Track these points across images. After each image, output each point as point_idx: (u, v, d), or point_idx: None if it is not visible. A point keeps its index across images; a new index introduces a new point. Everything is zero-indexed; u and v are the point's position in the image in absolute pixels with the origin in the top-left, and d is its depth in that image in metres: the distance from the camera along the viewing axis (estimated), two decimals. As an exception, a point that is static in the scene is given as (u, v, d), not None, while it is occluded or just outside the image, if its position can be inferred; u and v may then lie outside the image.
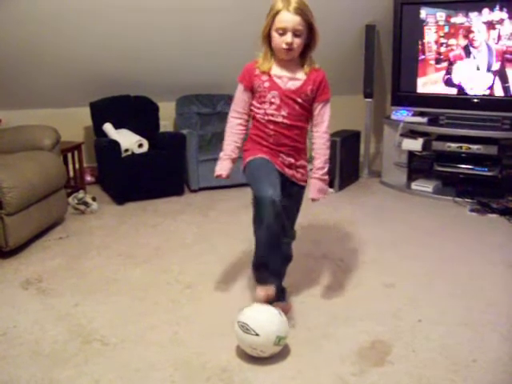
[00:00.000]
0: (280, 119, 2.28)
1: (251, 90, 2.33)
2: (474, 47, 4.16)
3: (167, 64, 4.55)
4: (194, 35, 4.34)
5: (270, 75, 2.27)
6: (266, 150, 2.31)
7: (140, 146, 4.35)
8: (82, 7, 3.82)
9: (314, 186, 2.38)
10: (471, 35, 4.14)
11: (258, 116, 2.32)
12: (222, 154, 2.39)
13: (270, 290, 2.22)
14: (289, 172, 2.35)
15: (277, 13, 2.16)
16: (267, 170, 2.26)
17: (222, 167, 2.37)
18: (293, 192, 2.39)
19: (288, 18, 2.14)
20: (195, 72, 4.71)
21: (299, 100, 2.27)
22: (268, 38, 2.24)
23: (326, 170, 2.38)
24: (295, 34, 2.17)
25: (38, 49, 4.03)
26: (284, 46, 2.18)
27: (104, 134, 4.36)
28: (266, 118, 2.29)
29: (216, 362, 2.12)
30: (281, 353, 2.14)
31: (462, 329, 2.35)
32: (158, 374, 2.05)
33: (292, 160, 2.34)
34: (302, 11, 2.15)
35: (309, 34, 2.22)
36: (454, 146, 4.25)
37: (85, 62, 4.30)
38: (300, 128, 2.32)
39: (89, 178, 4.71)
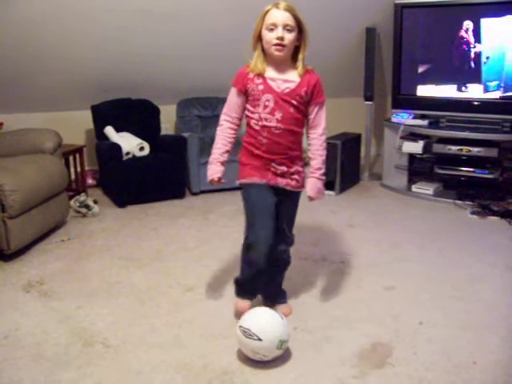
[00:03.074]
0: (274, 123, 2.23)
1: (245, 94, 2.28)
2: (473, 50, 4.17)
3: (168, 67, 4.56)
4: (194, 39, 4.36)
5: (264, 78, 2.24)
6: (258, 162, 2.28)
7: (141, 149, 4.36)
8: (83, 11, 3.84)
9: (312, 185, 2.34)
10: (470, 38, 4.16)
11: (251, 122, 2.28)
12: (211, 159, 2.34)
13: (245, 304, 2.39)
14: (282, 182, 2.31)
15: (266, 12, 2.18)
16: (262, 207, 2.27)
17: (214, 171, 2.32)
18: (289, 197, 2.36)
19: (278, 14, 2.16)
20: (196, 75, 4.72)
21: (294, 102, 2.23)
22: (260, 41, 2.22)
23: (323, 170, 2.35)
24: (286, 29, 2.15)
25: (39, 52, 4.05)
26: (275, 40, 2.15)
27: (105, 137, 4.38)
28: (260, 123, 2.24)
29: (217, 364, 2.13)
30: (282, 355, 2.15)
31: (463, 331, 2.36)
32: (160, 376, 2.06)
33: (284, 168, 2.29)
34: (291, 9, 2.17)
35: (299, 35, 2.21)
36: (454, 148, 4.26)
37: (86, 65, 4.31)
38: (294, 133, 2.27)
39: (90, 181, 4.72)
